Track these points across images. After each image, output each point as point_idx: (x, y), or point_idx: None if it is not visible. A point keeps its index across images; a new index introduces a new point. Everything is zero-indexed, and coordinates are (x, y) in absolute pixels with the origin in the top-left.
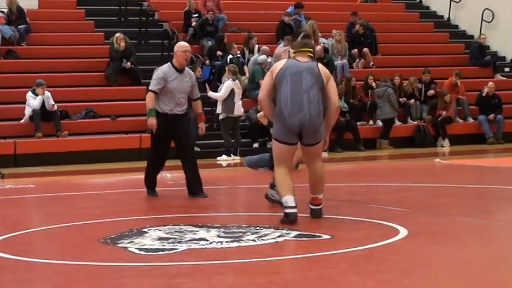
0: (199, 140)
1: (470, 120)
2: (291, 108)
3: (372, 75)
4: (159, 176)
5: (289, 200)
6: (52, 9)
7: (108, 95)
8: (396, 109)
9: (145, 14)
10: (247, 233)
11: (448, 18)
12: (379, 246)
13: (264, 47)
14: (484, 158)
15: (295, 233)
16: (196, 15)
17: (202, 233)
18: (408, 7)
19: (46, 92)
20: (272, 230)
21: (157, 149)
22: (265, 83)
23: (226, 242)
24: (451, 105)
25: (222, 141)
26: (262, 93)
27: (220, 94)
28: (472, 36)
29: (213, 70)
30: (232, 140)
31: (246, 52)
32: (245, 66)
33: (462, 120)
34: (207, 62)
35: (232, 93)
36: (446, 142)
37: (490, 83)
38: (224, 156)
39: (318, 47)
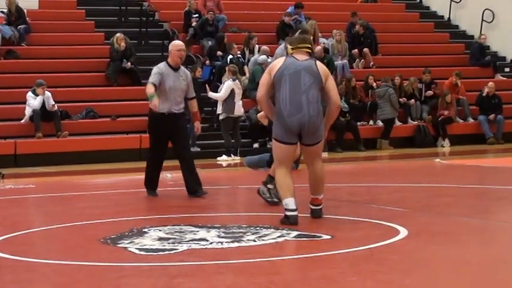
0: (199, 140)
1: (471, 120)
2: (290, 109)
3: (372, 75)
4: (160, 177)
5: (289, 202)
6: (52, 9)
7: (108, 95)
8: (397, 109)
9: (145, 14)
10: (247, 233)
11: (448, 18)
12: (379, 246)
13: (264, 47)
14: (484, 158)
15: (295, 233)
16: (197, 15)
17: (202, 233)
18: (408, 7)
19: (46, 92)
20: (272, 230)
21: (156, 149)
22: (263, 81)
23: (226, 242)
24: (451, 105)
25: (222, 141)
26: (261, 92)
27: (220, 94)
28: (472, 37)
29: (213, 70)
30: (233, 140)
31: (246, 52)
32: (245, 67)
33: (462, 121)
34: (207, 62)
35: (232, 93)
36: (446, 142)
37: (490, 83)
38: (224, 157)
39: (318, 47)
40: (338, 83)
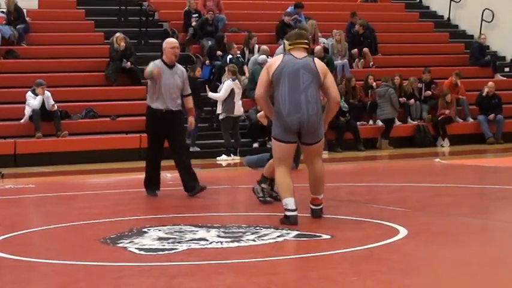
0: (199, 140)
1: (470, 120)
2: (289, 108)
3: (372, 75)
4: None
5: (289, 202)
6: (52, 9)
7: (108, 95)
8: (397, 109)
9: (145, 14)
10: (247, 233)
11: (448, 18)
12: (379, 246)
13: (264, 47)
14: (483, 158)
15: (295, 233)
16: (196, 15)
17: (202, 233)
18: (408, 7)
19: (46, 92)
20: (272, 230)
21: (154, 148)
22: (262, 80)
23: (226, 242)
24: (451, 105)
25: (222, 141)
26: (259, 91)
27: (220, 94)
28: (472, 36)
29: (213, 70)
30: (232, 140)
31: (246, 52)
32: (245, 66)
33: (462, 120)
34: (207, 62)
35: (232, 93)
36: (446, 142)
37: (490, 83)
38: (224, 156)
39: (318, 47)
40: (338, 83)
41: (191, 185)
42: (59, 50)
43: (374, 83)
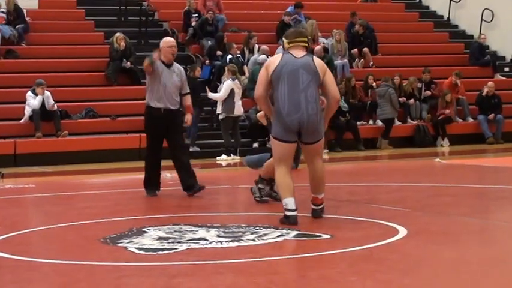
0: (199, 140)
1: (470, 120)
2: (288, 108)
3: (372, 75)
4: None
5: (289, 202)
6: (52, 9)
7: (108, 94)
8: (397, 109)
9: (145, 14)
10: (246, 233)
11: (448, 18)
12: (378, 246)
13: (264, 47)
14: (483, 157)
15: (295, 232)
16: (196, 15)
17: (202, 232)
18: (408, 7)
19: (46, 91)
20: (272, 229)
21: (153, 147)
22: (261, 79)
23: (226, 241)
24: (451, 105)
25: (222, 141)
26: (259, 90)
27: (220, 94)
28: (471, 36)
29: (213, 70)
30: (232, 140)
31: (246, 52)
32: (245, 66)
33: (462, 120)
34: (207, 62)
35: (232, 93)
36: (446, 142)
37: (490, 83)
38: (224, 156)
39: (318, 47)
40: (338, 83)
41: (190, 184)
42: (59, 50)
43: (374, 83)
